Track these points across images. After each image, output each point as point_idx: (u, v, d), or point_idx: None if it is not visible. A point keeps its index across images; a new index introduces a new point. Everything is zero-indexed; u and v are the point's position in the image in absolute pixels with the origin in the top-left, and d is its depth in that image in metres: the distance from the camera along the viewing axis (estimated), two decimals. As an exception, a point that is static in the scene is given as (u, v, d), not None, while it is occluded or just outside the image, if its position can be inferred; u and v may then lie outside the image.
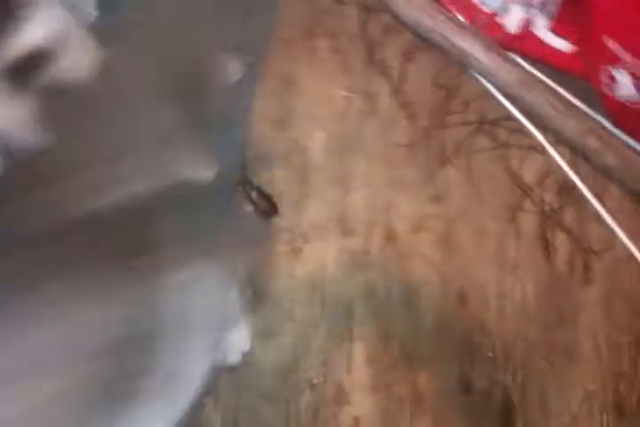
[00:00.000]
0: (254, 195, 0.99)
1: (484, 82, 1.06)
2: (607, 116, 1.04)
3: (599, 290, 1.04)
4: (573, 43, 1.03)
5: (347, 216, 1.02)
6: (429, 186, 1.04)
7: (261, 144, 1.02)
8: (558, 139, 1.06)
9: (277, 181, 1.01)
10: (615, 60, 0.94)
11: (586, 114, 1.05)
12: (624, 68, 0.94)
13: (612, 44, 0.93)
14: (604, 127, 1.05)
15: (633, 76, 0.94)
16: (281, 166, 1.02)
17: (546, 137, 1.06)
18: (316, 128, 1.04)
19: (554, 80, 1.06)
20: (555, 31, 1.04)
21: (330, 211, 1.01)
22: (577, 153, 1.07)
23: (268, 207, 0.99)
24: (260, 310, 0.96)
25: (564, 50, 1.04)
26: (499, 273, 1.02)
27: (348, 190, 1.02)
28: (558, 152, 1.06)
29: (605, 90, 0.99)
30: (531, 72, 1.05)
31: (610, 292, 1.04)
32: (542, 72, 1.05)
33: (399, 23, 1.05)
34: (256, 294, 0.96)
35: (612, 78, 0.96)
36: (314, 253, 0.99)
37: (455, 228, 1.03)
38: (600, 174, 1.07)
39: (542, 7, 1.02)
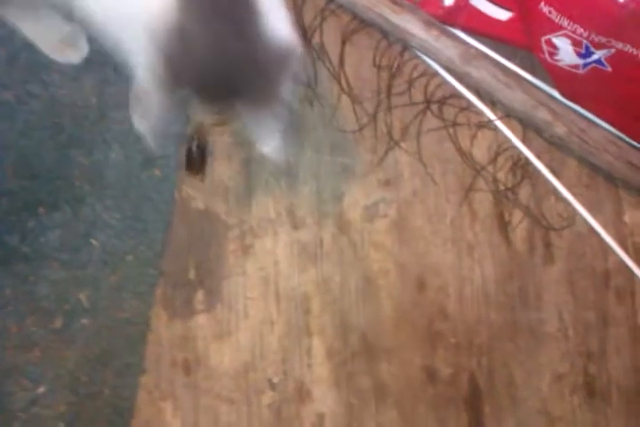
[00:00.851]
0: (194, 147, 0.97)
1: (427, 60, 1.03)
2: (554, 85, 1.01)
3: (561, 267, 1.01)
4: (511, 10, 1.00)
5: (296, 208, 0.99)
6: (379, 171, 1.01)
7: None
8: (508, 113, 1.04)
9: (221, 175, 0.98)
10: (554, 27, 0.90)
11: (533, 86, 1.03)
12: (563, 34, 0.91)
13: (548, 11, 0.89)
14: (553, 98, 1.02)
15: (573, 41, 0.91)
16: (224, 160, 0.99)
17: (495, 113, 1.04)
18: (258, 120, 1.01)
19: (498, 53, 1.03)
20: (491, 0, 1.00)
21: (278, 204, 0.98)
22: (528, 127, 1.04)
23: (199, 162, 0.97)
24: (212, 311, 0.93)
25: (502, 18, 1.00)
26: (456, 257, 0.99)
27: (296, 181, 0.99)
28: (509, 128, 1.04)
29: (548, 58, 0.96)
30: (473, 46, 1.02)
31: (572, 268, 1.02)
32: (485, 45, 1.03)
33: (335, 6, 1.02)
34: (208, 294, 0.93)
35: (554, 46, 0.93)
36: (264, 249, 0.96)
37: (409, 212, 1.00)
38: (555, 148, 1.05)
39: (477, -24, 0.99)
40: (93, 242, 0.91)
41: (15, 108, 0.93)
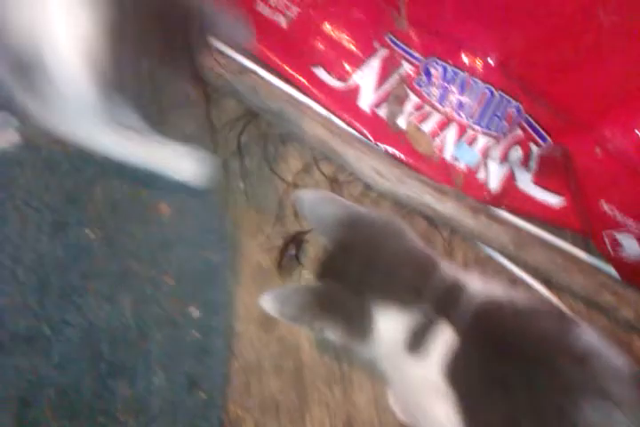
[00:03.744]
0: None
1: (479, 244, 0.97)
2: (615, 271, 0.94)
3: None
4: (563, 195, 0.95)
5: (354, 420, 0.92)
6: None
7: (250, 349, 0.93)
8: (571, 295, 0.97)
9: (271, 388, 0.92)
10: (617, 225, 0.85)
11: (592, 266, 0.96)
12: (627, 231, 0.85)
13: (610, 210, 0.84)
14: (614, 278, 0.96)
15: (638, 238, 0.85)
16: (273, 371, 0.93)
17: (560, 297, 0.97)
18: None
19: (549, 231, 0.97)
20: (540, 185, 0.95)
21: (334, 416, 0.92)
22: (591, 308, 0.97)
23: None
24: None
25: (553, 203, 0.95)
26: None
27: (352, 389, 0.93)
28: (573, 309, 0.97)
29: (610, 251, 0.89)
30: (525, 229, 0.96)
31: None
32: (536, 226, 0.97)
33: (375, 195, 0.97)
34: None
35: (616, 241, 0.87)
36: (325, 473, 0.89)
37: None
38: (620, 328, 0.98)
39: (522, 163, 0.94)
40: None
41: (51, 340, 0.89)
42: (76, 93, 0.71)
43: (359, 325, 0.72)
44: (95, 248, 0.92)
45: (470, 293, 0.73)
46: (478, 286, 0.75)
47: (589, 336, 0.71)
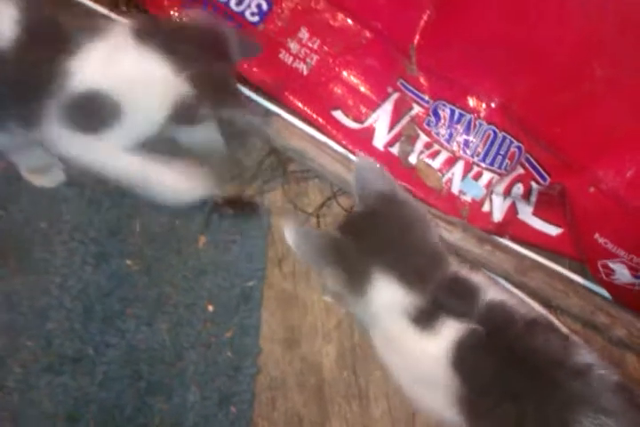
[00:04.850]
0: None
1: (484, 270, 1.05)
2: (609, 295, 1.02)
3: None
4: (559, 226, 1.03)
5: (371, 431, 1.01)
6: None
7: (275, 367, 1.02)
8: (569, 316, 1.05)
9: (295, 403, 1.00)
10: (610, 255, 0.93)
11: (589, 290, 1.05)
12: (620, 261, 0.93)
13: (604, 242, 0.92)
14: (609, 301, 1.04)
15: (629, 267, 0.94)
16: (296, 388, 1.01)
17: (559, 318, 1.05)
18: (325, 342, 1.04)
19: (549, 259, 1.05)
20: (539, 217, 1.04)
21: (353, 428, 1.00)
22: (587, 327, 1.06)
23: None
24: None
25: (552, 233, 1.04)
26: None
27: (368, 402, 1.01)
28: (570, 329, 1.05)
29: (603, 277, 0.98)
30: (527, 257, 1.04)
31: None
32: (536, 253, 1.05)
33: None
34: None
35: (610, 269, 0.96)
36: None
37: None
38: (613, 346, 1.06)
39: (523, 197, 1.03)
40: None
41: (95, 360, 0.97)
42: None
43: (358, 283, 0.80)
44: (135, 277, 1.01)
45: (483, 292, 0.80)
46: (492, 290, 0.82)
47: (585, 352, 0.78)
